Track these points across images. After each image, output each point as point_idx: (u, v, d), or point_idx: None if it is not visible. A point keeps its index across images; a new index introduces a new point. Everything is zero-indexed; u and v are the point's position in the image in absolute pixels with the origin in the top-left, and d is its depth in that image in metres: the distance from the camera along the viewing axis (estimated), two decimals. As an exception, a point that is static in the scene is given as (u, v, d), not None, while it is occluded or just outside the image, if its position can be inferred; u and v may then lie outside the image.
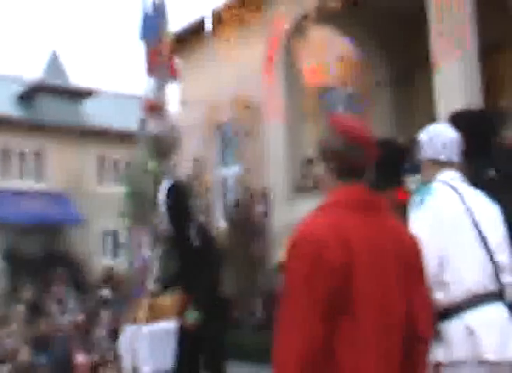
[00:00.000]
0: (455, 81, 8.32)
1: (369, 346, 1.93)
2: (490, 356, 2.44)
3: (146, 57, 10.05)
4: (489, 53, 10.16)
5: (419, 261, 2.19)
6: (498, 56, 10.89)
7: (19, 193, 21.40)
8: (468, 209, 2.64)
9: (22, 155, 22.94)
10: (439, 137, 2.84)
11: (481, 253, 2.58)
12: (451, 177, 2.79)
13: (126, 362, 7.45)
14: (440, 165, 2.83)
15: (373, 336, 1.94)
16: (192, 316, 4.91)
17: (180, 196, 5.10)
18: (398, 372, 1.99)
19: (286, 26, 11.12)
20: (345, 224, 2.03)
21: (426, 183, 2.82)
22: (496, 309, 2.54)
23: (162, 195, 5.04)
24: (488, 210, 2.70)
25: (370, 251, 2.00)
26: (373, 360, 1.93)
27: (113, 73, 71.09)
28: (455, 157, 2.83)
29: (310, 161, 12.20)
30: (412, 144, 2.97)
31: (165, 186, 5.19)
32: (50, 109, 23.29)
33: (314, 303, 1.89)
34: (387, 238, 2.09)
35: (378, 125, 12.40)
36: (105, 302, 12.94)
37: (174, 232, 5.10)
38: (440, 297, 2.54)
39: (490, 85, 9.44)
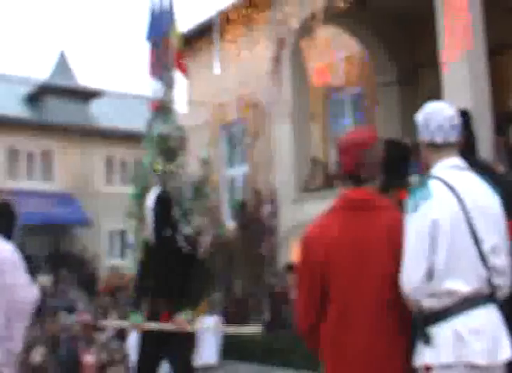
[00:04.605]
0: (462, 80, 8.29)
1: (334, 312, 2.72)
2: (479, 361, 2.41)
3: (152, 57, 10.07)
4: (497, 52, 10.13)
5: (392, 257, 2.61)
6: (505, 55, 10.86)
7: (26, 194, 21.44)
8: (464, 211, 2.53)
9: (29, 155, 22.99)
10: (434, 117, 2.71)
11: (474, 257, 2.50)
12: (451, 165, 2.67)
13: (134, 362, 7.47)
14: (437, 148, 2.71)
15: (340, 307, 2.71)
16: (186, 316, 5.03)
17: (167, 206, 5.21)
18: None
19: (294, 26, 11.12)
20: (333, 225, 2.76)
21: (423, 180, 2.69)
22: (487, 313, 2.48)
23: (150, 203, 5.13)
24: (487, 207, 2.59)
25: (347, 250, 2.69)
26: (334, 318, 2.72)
27: (121, 73, 71.35)
28: (453, 137, 2.70)
29: (316, 161, 12.21)
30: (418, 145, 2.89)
31: (153, 194, 5.27)
32: (58, 110, 23.34)
33: (309, 283, 2.80)
34: (368, 238, 2.67)
35: (384, 125, 12.40)
36: (112, 302, 12.97)
37: (160, 239, 5.19)
38: (430, 302, 2.50)
39: (498, 84, 9.41)
